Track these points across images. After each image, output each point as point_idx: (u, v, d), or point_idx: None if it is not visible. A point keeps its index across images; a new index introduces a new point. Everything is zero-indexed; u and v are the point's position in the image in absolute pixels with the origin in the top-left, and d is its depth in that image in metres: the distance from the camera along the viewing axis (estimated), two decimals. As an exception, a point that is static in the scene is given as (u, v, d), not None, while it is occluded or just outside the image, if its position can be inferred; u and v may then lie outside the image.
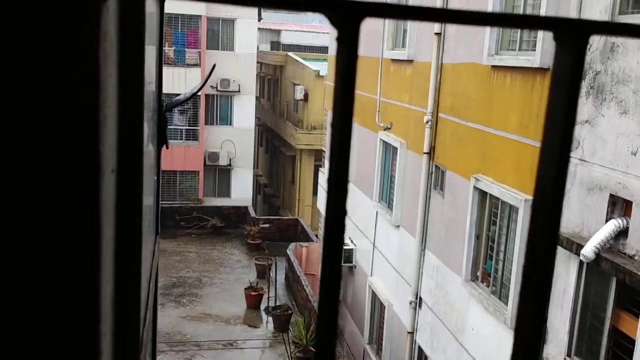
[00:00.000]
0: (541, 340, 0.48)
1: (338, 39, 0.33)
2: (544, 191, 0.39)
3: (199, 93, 25.11)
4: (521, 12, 8.12)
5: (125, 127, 0.64)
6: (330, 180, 0.35)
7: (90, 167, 0.50)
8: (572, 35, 0.34)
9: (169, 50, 24.63)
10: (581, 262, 6.46)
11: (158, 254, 2.22)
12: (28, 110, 0.50)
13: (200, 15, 25.20)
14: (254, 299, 17.41)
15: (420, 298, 11.02)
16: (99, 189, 0.51)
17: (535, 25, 0.38)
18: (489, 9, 8.51)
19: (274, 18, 44.58)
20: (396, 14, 0.32)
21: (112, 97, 0.54)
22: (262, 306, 17.49)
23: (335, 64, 0.33)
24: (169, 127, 2.29)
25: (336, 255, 0.42)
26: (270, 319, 16.68)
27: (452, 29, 10.01)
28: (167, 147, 2.05)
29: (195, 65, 25.29)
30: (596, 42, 6.47)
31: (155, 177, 1.94)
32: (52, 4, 0.47)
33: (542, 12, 7.32)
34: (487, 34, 8.57)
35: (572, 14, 6.77)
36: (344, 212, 0.39)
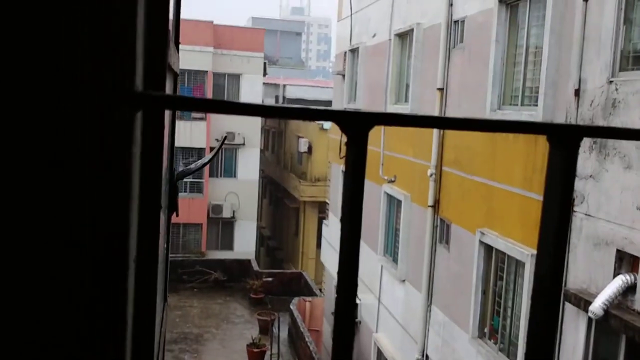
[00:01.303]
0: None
1: (347, 143, 0.35)
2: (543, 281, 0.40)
3: (204, 145, 25.38)
4: (522, 69, 8.26)
5: (144, 218, 0.67)
6: (339, 284, 0.36)
7: (118, 260, 0.52)
8: (564, 139, 0.36)
9: (175, 104, 25.02)
10: (590, 319, 6.35)
11: (166, 321, 2.21)
12: (65, 209, 0.52)
13: (207, 71, 25.73)
14: (256, 356, 17.04)
15: (427, 355, 10.79)
16: (126, 280, 0.53)
17: (530, 129, 0.40)
18: (490, 66, 8.68)
19: (279, 73, 45.47)
20: (398, 122, 0.34)
21: (136, 191, 0.57)
22: (265, 363, 17.13)
23: (345, 162, 0.35)
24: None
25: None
26: (274, 376, 16.31)
27: (454, 84, 10.18)
28: (177, 215, 2.07)
29: (201, 119, 25.67)
30: (597, 97, 6.56)
31: (165, 245, 1.95)
32: (92, 114, 0.51)
33: (543, 69, 7.45)
34: (490, 88, 8.70)
35: (573, 71, 6.89)
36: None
